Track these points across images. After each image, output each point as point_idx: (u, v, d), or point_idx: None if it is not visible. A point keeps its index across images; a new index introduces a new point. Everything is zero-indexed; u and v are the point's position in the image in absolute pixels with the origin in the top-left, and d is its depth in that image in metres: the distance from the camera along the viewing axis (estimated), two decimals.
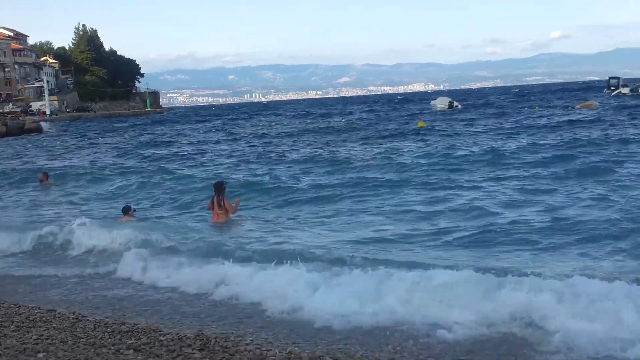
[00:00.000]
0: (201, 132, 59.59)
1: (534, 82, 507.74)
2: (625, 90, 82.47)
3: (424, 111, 73.92)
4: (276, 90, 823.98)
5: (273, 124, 66.08)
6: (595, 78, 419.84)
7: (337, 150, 30.82)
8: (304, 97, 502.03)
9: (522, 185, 16.86)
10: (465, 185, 17.58)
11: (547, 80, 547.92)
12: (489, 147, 26.67)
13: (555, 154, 23.17)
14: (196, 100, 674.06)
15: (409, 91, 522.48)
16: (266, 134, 48.93)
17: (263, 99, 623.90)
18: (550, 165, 20.50)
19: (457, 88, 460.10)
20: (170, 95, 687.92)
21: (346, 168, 23.30)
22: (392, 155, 26.57)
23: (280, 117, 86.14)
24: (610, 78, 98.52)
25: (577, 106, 60.48)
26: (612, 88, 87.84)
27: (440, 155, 25.27)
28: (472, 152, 25.80)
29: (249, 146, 38.00)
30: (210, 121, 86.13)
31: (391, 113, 76.60)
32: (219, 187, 14.06)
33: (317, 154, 29.64)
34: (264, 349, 6.54)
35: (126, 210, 15.20)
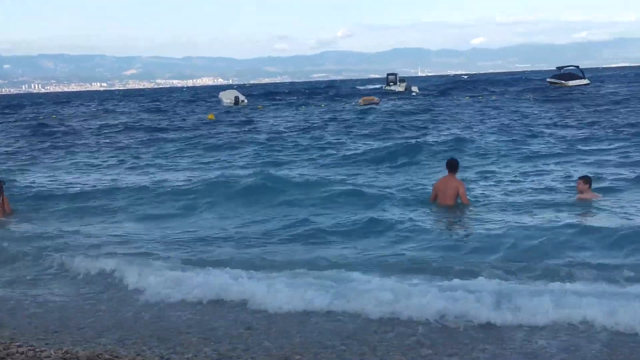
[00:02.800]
0: None
1: (320, 79, 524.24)
2: (401, 87, 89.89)
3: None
4: (57, 82, 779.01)
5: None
6: (378, 76, 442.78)
7: None
8: (88, 89, 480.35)
9: None
10: None
11: (334, 77, 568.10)
12: None
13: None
14: None
15: (198, 85, 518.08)
16: None
17: (43, 90, 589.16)
18: None
19: (246, 83, 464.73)
20: None
21: None
22: None
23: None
24: (388, 74, 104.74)
25: (360, 101, 63.41)
26: (391, 84, 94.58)
27: None
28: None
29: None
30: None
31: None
32: None
33: None
34: (37, 350, 6.17)
35: None
